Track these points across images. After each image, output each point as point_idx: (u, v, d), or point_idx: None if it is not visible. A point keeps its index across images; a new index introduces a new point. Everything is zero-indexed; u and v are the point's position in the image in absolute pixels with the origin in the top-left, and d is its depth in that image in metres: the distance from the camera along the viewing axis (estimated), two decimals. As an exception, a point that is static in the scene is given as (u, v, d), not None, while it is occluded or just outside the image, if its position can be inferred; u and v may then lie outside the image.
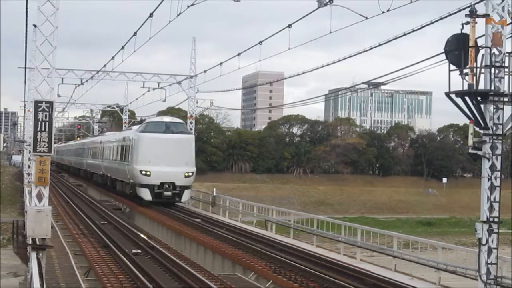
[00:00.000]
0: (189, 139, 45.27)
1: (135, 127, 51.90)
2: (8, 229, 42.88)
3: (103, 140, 62.56)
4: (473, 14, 16.54)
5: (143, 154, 44.26)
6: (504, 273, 19.22)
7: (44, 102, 19.97)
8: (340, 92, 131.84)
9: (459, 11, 18.47)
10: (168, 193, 43.69)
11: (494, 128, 16.72)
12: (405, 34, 23.13)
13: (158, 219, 40.13)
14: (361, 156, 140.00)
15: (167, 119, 46.43)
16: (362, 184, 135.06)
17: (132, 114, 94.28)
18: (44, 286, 16.75)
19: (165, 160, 43.55)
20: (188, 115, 53.69)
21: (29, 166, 47.35)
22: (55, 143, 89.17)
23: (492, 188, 16.74)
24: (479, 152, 16.88)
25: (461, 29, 16.78)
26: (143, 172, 43.75)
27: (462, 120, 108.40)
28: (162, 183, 43.67)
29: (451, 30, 17.02)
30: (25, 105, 67.76)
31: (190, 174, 44.27)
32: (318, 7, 24.86)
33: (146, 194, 43.67)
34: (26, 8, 29.53)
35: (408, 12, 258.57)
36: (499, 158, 16.78)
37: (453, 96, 16.93)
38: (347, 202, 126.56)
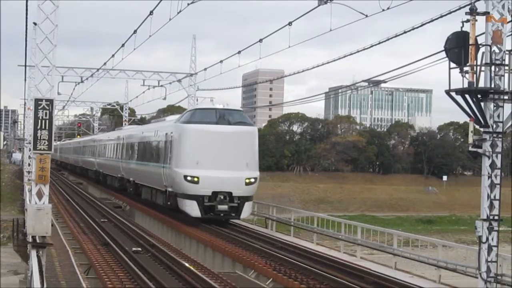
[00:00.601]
0: (251, 133, 33.93)
1: (172, 117, 41.91)
2: (8, 227, 42.84)
3: (123, 136, 51.39)
4: (473, 12, 16.54)
5: (189, 153, 33.08)
6: (504, 271, 19.22)
7: (44, 100, 19.98)
8: (340, 90, 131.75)
9: (459, 9, 18.46)
10: (224, 207, 32.44)
11: (494, 126, 16.72)
12: (405, 32, 23.10)
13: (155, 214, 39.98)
14: (361, 154, 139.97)
15: (220, 105, 34.17)
16: (362, 182, 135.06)
17: (132, 112, 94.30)
18: (44, 284, 16.76)
19: (219, 161, 32.71)
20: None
21: (29, 164, 47.23)
22: (55, 140, 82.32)
23: (492, 186, 16.74)
24: (479, 150, 16.88)
25: (461, 27, 16.78)
26: (189, 178, 32.53)
27: (462, 118, 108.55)
28: (215, 193, 32.46)
29: (451, 28, 17.02)
30: (25, 103, 67.76)
31: (253, 180, 33.13)
32: (318, 5, 24.85)
33: (192, 208, 32.54)
34: (26, 6, 29.56)
35: (408, 10, 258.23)
36: (499, 156, 16.78)
37: (453, 94, 16.93)
38: (347, 200, 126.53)
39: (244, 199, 32.76)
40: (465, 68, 16.69)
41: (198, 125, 33.19)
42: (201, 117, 33.53)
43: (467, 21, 16.63)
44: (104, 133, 73.48)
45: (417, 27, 22.23)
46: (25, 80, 61.25)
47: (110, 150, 56.44)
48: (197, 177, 32.31)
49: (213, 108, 33.69)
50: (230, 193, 32.46)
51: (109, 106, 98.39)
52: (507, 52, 16.69)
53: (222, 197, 32.36)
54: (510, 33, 16.93)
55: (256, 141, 33.90)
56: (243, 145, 33.25)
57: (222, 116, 33.19)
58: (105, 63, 49.13)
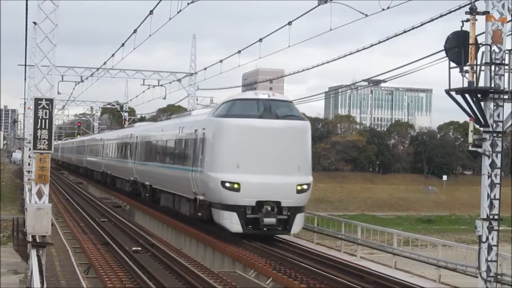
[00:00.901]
0: (303, 128, 28.18)
1: (201, 111, 36.16)
2: (8, 227, 42.83)
3: (136, 134, 45.42)
4: (473, 11, 16.55)
5: (228, 154, 27.34)
6: (504, 270, 19.20)
7: (44, 100, 19.99)
8: (340, 90, 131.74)
9: (459, 8, 18.47)
10: (270, 220, 26.88)
11: (494, 125, 16.74)
12: (405, 32, 23.13)
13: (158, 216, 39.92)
14: (361, 153, 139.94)
15: (264, 94, 28.25)
16: (362, 182, 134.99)
17: (132, 112, 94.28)
18: (44, 283, 16.76)
19: (265, 163, 27.25)
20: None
21: (29, 164, 47.20)
22: (55, 139, 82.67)
23: (492, 185, 16.75)
24: (479, 150, 16.89)
25: (461, 27, 16.80)
26: (227, 185, 26.96)
27: (462, 117, 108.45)
28: (260, 203, 26.88)
29: (451, 27, 17.04)
30: (25, 103, 67.78)
31: (305, 187, 27.67)
32: (318, 5, 24.88)
33: (231, 222, 26.93)
34: (26, 6, 29.51)
35: (408, 9, 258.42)
36: (499, 155, 16.79)
37: (453, 93, 16.95)
38: (347, 199, 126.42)
39: (295, 210, 27.30)
40: (465, 68, 16.72)
41: (239, 119, 27.42)
42: (242, 110, 27.70)
43: (467, 20, 16.65)
44: (112, 131, 67.23)
45: (417, 27, 22.26)
46: (25, 79, 61.36)
47: (120, 150, 50.77)
48: (238, 184, 26.77)
49: (257, 99, 27.85)
50: (278, 203, 26.99)
51: (109, 106, 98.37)
52: (507, 52, 16.71)
53: (268, 208, 26.79)
54: (510, 33, 16.95)
55: (309, 138, 28.36)
56: (294, 143, 27.63)
57: (268, 108, 27.49)
58: (105, 63, 49.20)
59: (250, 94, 29.11)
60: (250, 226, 26.98)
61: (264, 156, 27.16)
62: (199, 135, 29.40)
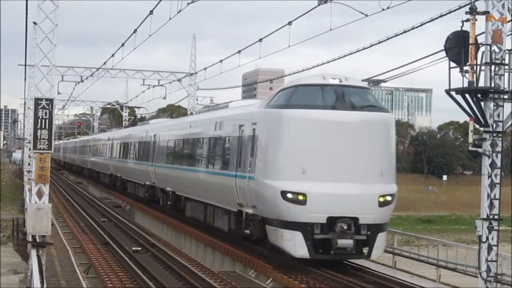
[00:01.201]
0: (386, 123, 22.65)
1: (246, 102, 30.20)
2: (8, 227, 42.79)
3: (153, 132, 39.54)
4: (473, 11, 16.56)
5: (290, 156, 21.15)
6: (504, 270, 19.21)
7: (44, 100, 19.98)
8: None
9: (459, 8, 18.48)
10: (346, 242, 20.81)
11: (494, 125, 16.75)
12: (405, 32, 23.13)
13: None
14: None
15: (335, 79, 21.93)
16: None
17: (132, 112, 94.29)
18: (44, 283, 16.75)
19: (338, 168, 21.25)
20: (188, 112, 53.62)
21: (29, 164, 47.18)
22: (55, 139, 79.05)
23: (492, 185, 16.76)
24: (479, 150, 16.91)
25: (461, 27, 16.82)
26: (290, 196, 20.89)
27: (462, 117, 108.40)
28: (332, 220, 20.90)
29: (451, 27, 17.05)
30: (25, 103, 67.76)
31: (389, 198, 22.23)
32: (318, 5, 24.87)
33: (295, 244, 20.88)
34: (26, 6, 29.49)
35: (408, 9, 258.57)
36: (499, 155, 16.80)
37: (453, 93, 16.97)
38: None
39: (376, 228, 21.38)
40: (465, 68, 16.74)
41: (304, 110, 21.20)
42: (307, 99, 21.48)
43: (467, 20, 16.66)
44: (122, 129, 61.03)
45: (417, 27, 22.26)
46: (25, 79, 61.33)
47: (133, 150, 45.37)
48: (304, 194, 20.67)
49: (326, 84, 21.64)
50: (355, 220, 20.92)
51: (109, 106, 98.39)
52: (507, 52, 16.72)
53: (344, 226, 20.72)
54: (510, 33, 16.96)
55: (393, 135, 23.07)
56: (376, 142, 21.83)
57: (341, 97, 21.36)
58: (105, 63, 49.18)
59: (316, 79, 22.16)
60: (320, 250, 20.97)
61: (337, 159, 21.06)
62: (246, 132, 23.27)
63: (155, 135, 38.74)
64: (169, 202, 34.34)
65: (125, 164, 48.07)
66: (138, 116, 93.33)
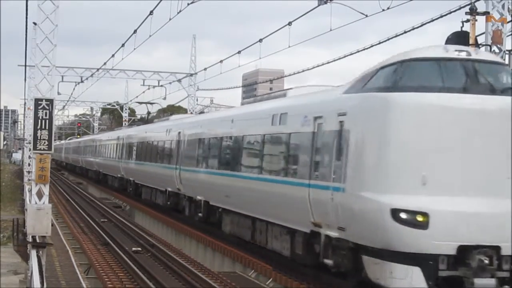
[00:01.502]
0: None
1: (315, 88, 21.06)
2: (8, 227, 42.73)
3: (177, 130, 32.82)
4: (473, 12, 16.58)
5: (403, 160, 14.58)
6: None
7: (44, 100, 19.98)
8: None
9: (459, 9, 18.50)
10: (487, 283, 14.21)
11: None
12: (405, 32, 23.14)
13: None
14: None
15: (462, 52, 15.09)
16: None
17: (132, 112, 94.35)
18: (44, 284, 16.75)
19: (473, 177, 14.55)
20: (188, 113, 53.66)
21: (29, 164, 47.13)
22: (55, 140, 67.04)
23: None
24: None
25: (461, 27, 16.84)
26: (404, 216, 14.39)
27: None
28: (466, 250, 14.35)
29: (452, 28, 17.06)
30: (25, 103, 67.86)
31: None
32: (318, 5, 24.90)
33: (412, 282, 14.31)
34: (26, 6, 29.56)
35: (408, 10, 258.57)
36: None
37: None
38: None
39: None
40: (465, 68, 16.69)
41: (423, 95, 14.74)
42: (424, 79, 14.95)
43: (467, 21, 16.68)
44: (133, 127, 52.36)
45: (417, 27, 22.27)
46: (25, 80, 61.42)
47: (150, 151, 38.96)
48: (426, 214, 14.40)
49: (451, 58, 15.09)
50: (497, 249, 14.47)
51: (109, 106, 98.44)
52: (507, 52, 16.71)
53: (484, 260, 14.34)
54: (510, 33, 16.96)
55: None
56: None
57: (473, 75, 14.94)
58: (105, 63, 49.29)
59: (435, 51, 15.34)
60: None
61: (472, 163, 14.60)
62: (327, 126, 17.13)
63: (179, 133, 32.20)
64: (200, 214, 28.36)
65: (139, 167, 41.30)
66: (138, 116, 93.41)
